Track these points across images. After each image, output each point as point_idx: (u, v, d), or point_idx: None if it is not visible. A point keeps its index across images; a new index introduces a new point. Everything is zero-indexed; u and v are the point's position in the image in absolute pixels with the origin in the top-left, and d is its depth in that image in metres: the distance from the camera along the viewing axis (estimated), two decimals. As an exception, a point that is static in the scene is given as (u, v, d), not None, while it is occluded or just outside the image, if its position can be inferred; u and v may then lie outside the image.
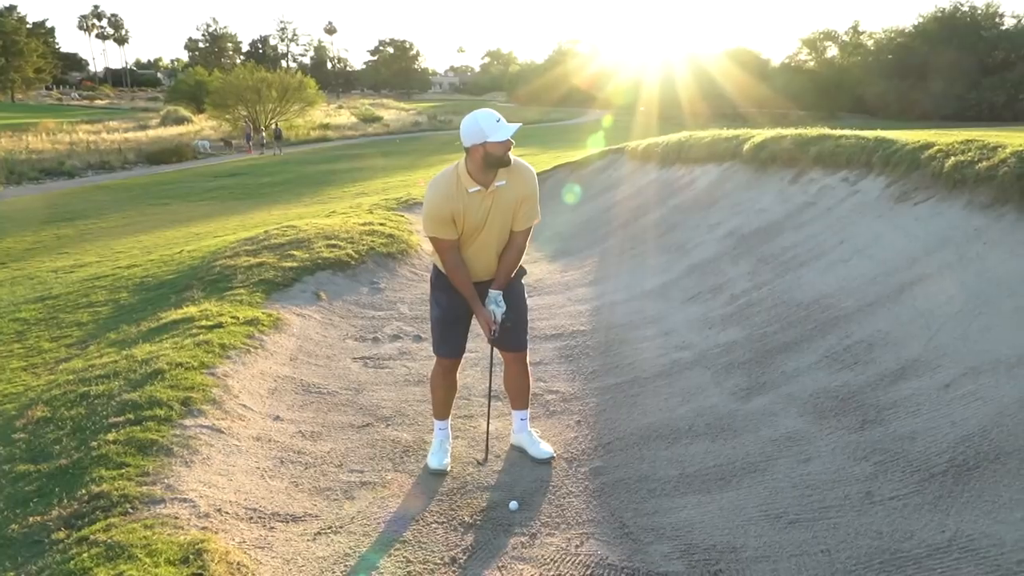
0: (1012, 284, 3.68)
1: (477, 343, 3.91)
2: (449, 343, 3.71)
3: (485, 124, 3.27)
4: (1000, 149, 4.67)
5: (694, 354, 4.87)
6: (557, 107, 71.25)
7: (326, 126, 49.99)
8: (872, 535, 2.72)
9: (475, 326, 3.78)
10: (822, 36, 65.82)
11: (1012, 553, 2.38)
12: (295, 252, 7.75)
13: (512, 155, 3.41)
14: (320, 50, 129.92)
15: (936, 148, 5.34)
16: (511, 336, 3.69)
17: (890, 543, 2.65)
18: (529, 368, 3.89)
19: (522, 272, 3.73)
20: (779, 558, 2.76)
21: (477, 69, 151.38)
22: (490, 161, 3.32)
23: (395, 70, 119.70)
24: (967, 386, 3.26)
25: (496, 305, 3.51)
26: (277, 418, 4.37)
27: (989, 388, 3.16)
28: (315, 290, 6.85)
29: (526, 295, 3.84)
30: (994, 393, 3.12)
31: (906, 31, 59.72)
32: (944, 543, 2.55)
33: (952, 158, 4.99)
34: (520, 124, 3.41)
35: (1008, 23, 56.84)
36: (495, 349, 3.77)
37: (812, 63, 65.44)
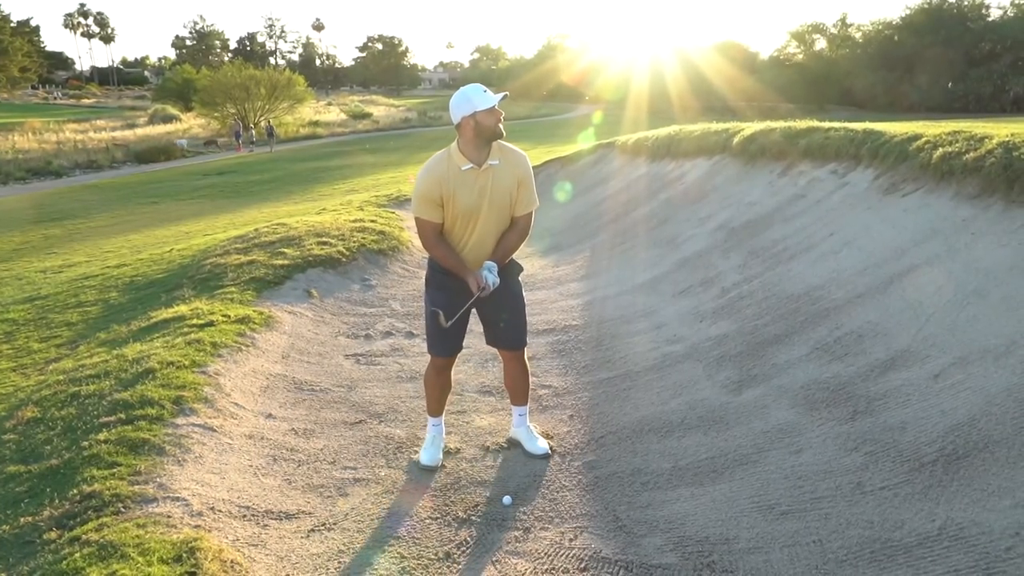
0: (999, 274, 3.70)
1: (468, 339, 3.91)
2: (445, 343, 3.66)
3: (472, 94, 3.27)
4: (987, 140, 4.70)
5: (685, 347, 4.89)
6: (546, 102, 71.26)
7: (316, 123, 49.79)
8: (863, 525, 2.75)
9: (472, 326, 3.78)
10: (810, 29, 65.88)
11: (1000, 540, 2.40)
12: (286, 250, 7.73)
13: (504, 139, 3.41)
14: (308, 47, 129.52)
15: (924, 140, 5.37)
16: (509, 333, 3.68)
17: (881, 532, 2.67)
18: (528, 364, 3.88)
19: (519, 268, 3.70)
20: (771, 549, 2.78)
21: (466, 65, 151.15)
22: (482, 132, 3.27)
23: (384, 66, 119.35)
24: (956, 376, 3.28)
25: (489, 272, 3.38)
26: (269, 416, 4.36)
27: (978, 377, 3.19)
28: (306, 288, 6.84)
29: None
30: (983, 382, 3.14)
31: (893, 23, 59.86)
32: (934, 532, 2.57)
33: (940, 149, 5.02)
34: (506, 93, 3.40)
35: (994, 14, 57.18)
36: (495, 350, 3.72)
37: (800, 56, 65.50)
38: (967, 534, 2.49)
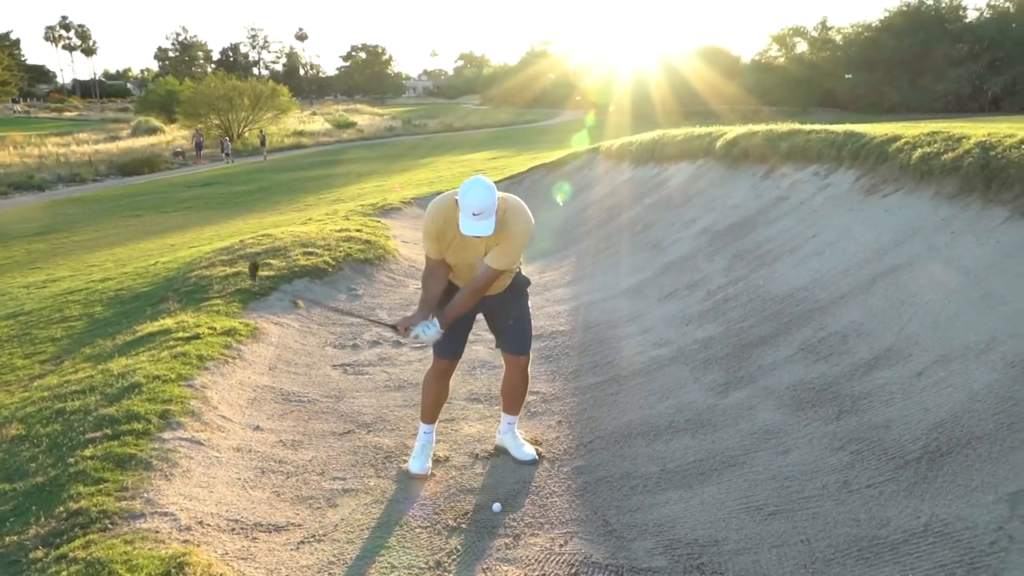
0: (978, 272, 3.75)
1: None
2: (446, 344, 3.68)
3: (463, 207, 3.14)
4: (964, 140, 4.76)
5: (672, 351, 4.91)
6: (530, 108, 71.44)
7: (300, 133, 49.68)
8: (850, 523, 2.77)
9: (475, 329, 3.79)
10: (791, 32, 66.47)
11: (985, 535, 2.43)
12: (271, 260, 7.70)
13: (509, 197, 3.34)
14: (292, 57, 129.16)
15: (903, 140, 5.43)
16: (514, 339, 3.72)
17: (867, 530, 2.70)
18: (528, 376, 3.87)
19: (527, 282, 3.80)
20: (760, 549, 2.80)
21: (450, 72, 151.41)
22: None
23: (368, 75, 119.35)
24: (938, 373, 3.32)
25: (425, 329, 3.39)
26: (257, 428, 4.34)
27: (960, 375, 3.22)
28: (292, 298, 6.81)
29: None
30: (964, 379, 3.18)
31: (873, 25, 60.54)
32: (920, 528, 2.59)
33: (919, 150, 5.08)
34: (489, 234, 3.19)
35: (971, 16, 58.02)
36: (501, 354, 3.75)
37: (782, 59, 66.06)
38: (952, 530, 2.52)
